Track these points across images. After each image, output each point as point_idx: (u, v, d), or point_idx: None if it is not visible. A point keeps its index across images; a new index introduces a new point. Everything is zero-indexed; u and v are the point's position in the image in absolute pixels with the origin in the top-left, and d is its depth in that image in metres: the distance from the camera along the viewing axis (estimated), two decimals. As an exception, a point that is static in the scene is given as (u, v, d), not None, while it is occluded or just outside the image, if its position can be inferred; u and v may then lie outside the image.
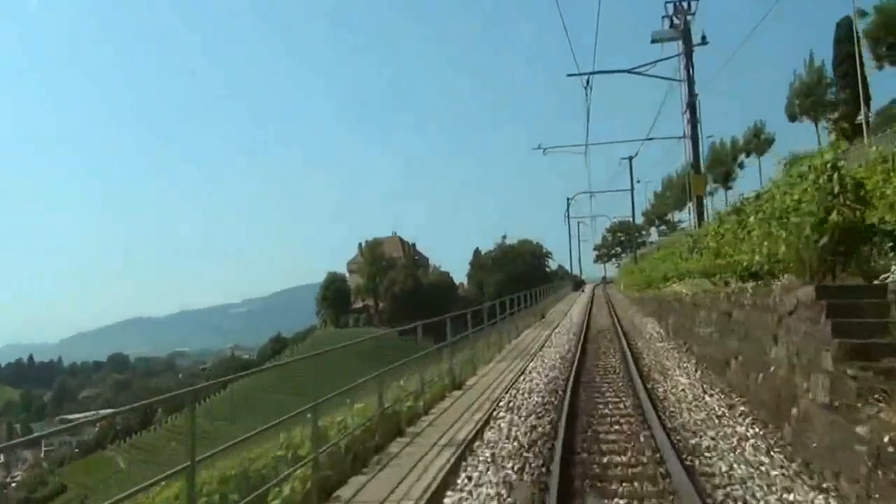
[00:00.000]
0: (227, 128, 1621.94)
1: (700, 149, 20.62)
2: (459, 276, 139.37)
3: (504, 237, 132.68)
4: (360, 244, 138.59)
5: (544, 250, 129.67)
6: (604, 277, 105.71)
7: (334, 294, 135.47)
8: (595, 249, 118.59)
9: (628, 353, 15.74)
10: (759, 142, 57.28)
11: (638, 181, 70.65)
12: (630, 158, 50.15)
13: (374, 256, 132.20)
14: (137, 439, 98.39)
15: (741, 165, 65.95)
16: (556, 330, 23.93)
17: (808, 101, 43.64)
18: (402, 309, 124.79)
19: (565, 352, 17.17)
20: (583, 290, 68.18)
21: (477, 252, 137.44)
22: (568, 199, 78.98)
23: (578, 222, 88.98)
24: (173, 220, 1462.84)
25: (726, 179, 64.91)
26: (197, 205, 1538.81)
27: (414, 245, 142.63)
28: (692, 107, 20.77)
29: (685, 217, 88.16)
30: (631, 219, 73.06)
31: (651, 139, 23.00)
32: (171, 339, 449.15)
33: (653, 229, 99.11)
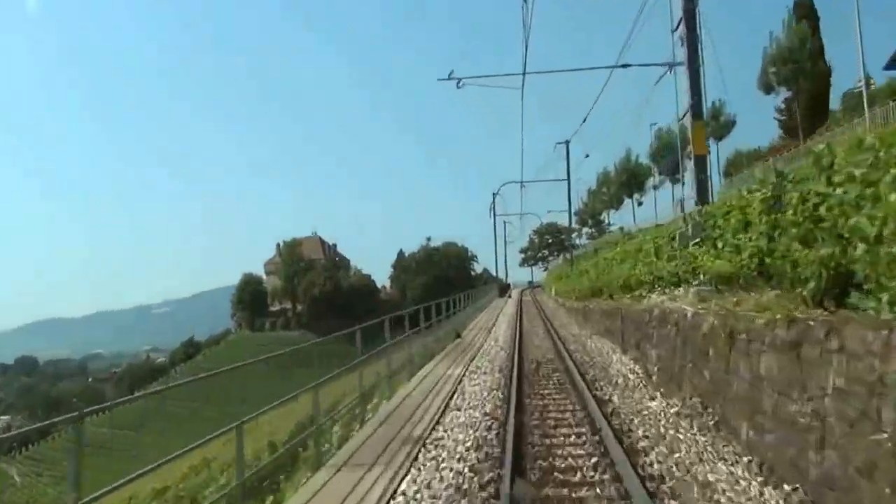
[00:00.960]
0: (149, 120, 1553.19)
1: (702, 82, 12.70)
2: (383, 278, 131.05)
3: (429, 239, 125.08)
4: (278, 244, 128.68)
5: (469, 253, 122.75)
6: (530, 282, 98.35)
7: (250, 296, 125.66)
8: (521, 252, 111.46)
9: (610, 436, 7.55)
10: (717, 125, 49.86)
11: (587, 156, 63.49)
12: (567, 143, 42.02)
13: (293, 257, 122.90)
14: (35, 450, 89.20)
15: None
16: (475, 363, 15.48)
17: (787, 67, 36.41)
18: (321, 312, 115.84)
19: (486, 424, 8.78)
20: (509, 296, 59.81)
21: (401, 254, 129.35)
22: (494, 194, 68.38)
23: (505, 221, 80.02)
24: (92, 218, 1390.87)
25: (675, 171, 56.37)
26: (118, 201, 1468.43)
27: (335, 246, 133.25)
28: (690, 16, 12.81)
29: (617, 219, 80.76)
30: (564, 217, 65.09)
31: (625, 66, 15.18)
32: (88, 340, 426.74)
33: (585, 230, 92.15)
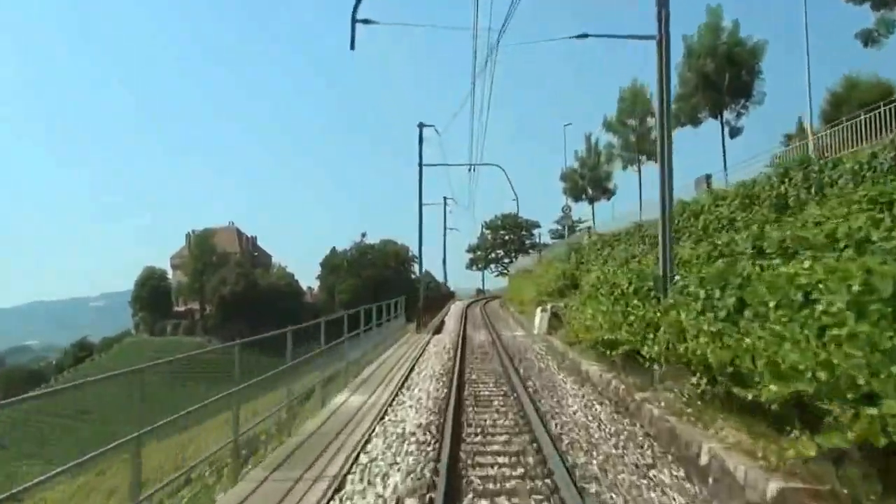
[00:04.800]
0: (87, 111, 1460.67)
1: None
2: (311, 279, 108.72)
3: (363, 235, 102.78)
4: (187, 234, 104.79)
5: (410, 254, 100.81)
6: (480, 289, 75.42)
7: (151, 294, 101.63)
8: (469, 251, 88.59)
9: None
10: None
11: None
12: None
13: (203, 250, 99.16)
14: None
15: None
16: None
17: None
18: (231, 316, 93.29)
19: None
20: (440, 329, 26.33)
21: (333, 252, 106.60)
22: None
23: (446, 197, 49.44)
24: (26, 206, 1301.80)
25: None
26: (52, 189, 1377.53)
27: (254, 239, 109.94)
28: None
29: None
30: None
31: None
32: (19, 331, 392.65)
33: (550, 225, 58.33)
